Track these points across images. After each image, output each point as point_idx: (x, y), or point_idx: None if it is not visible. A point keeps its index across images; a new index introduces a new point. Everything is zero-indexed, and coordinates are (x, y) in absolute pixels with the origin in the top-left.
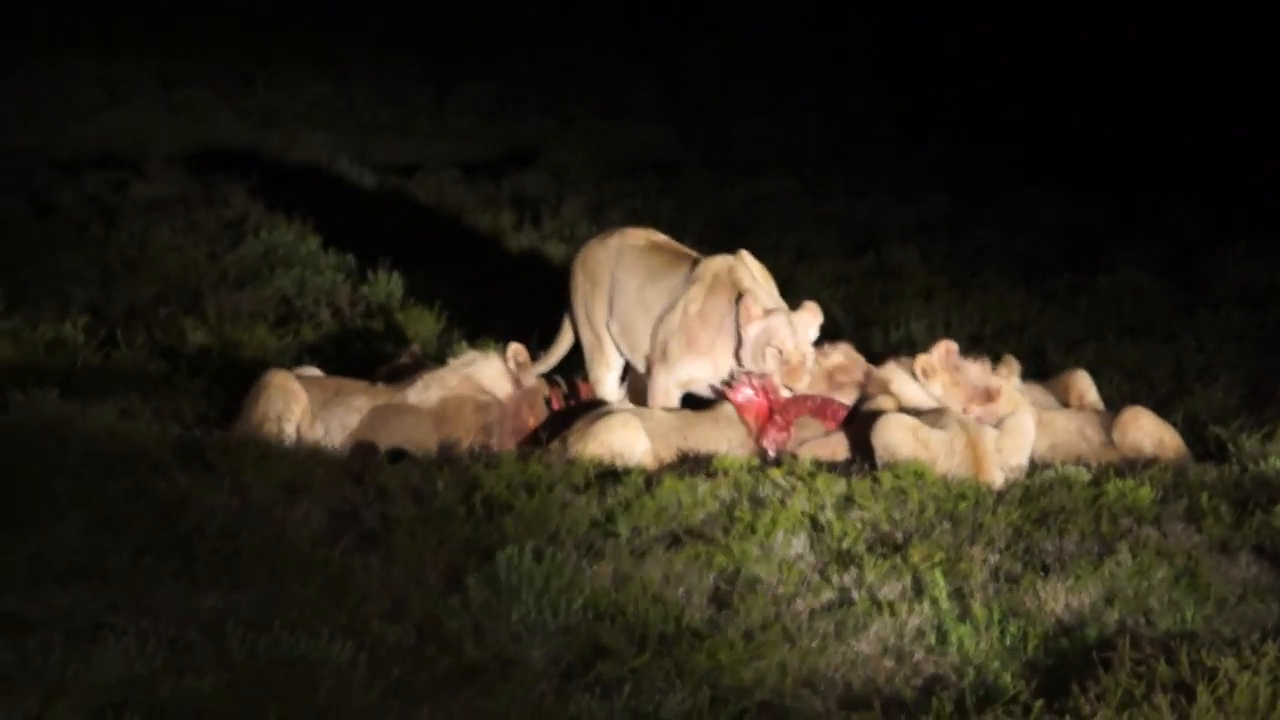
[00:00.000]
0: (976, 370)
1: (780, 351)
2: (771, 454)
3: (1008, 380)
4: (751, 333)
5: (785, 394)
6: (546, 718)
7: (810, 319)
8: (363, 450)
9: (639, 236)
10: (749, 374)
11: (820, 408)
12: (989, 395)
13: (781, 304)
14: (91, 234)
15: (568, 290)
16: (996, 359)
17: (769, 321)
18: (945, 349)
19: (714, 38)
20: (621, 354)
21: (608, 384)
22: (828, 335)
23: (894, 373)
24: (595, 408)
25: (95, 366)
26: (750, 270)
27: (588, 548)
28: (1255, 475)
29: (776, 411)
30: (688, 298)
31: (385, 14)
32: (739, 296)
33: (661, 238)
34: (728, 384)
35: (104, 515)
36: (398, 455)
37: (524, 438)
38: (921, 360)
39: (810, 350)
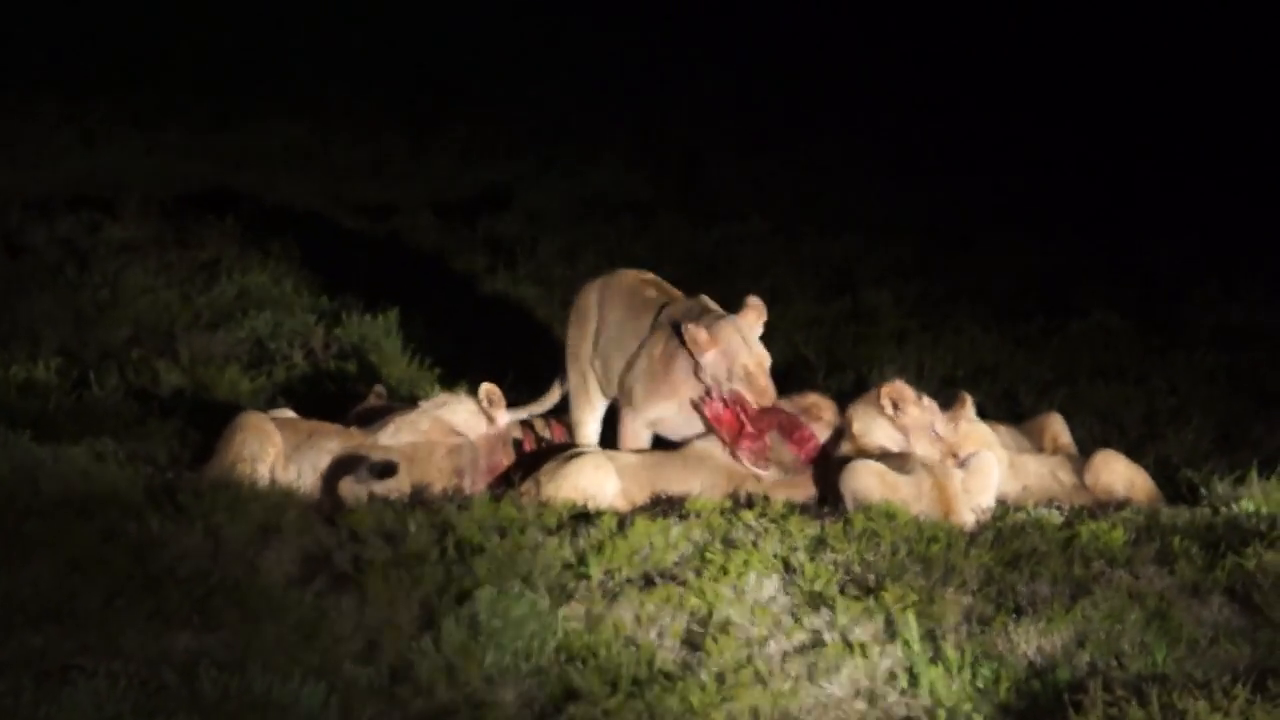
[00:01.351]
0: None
1: (745, 369)
2: (749, 464)
3: (963, 417)
4: (709, 359)
5: (753, 406)
6: None
7: (755, 317)
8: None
9: (630, 277)
10: (717, 390)
11: (788, 425)
12: (953, 446)
13: (721, 311)
14: (64, 275)
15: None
16: (952, 402)
17: (722, 344)
18: (898, 383)
19: (687, 81)
20: (605, 394)
21: (588, 426)
22: (801, 379)
23: (857, 414)
24: (566, 449)
25: (68, 408)
26: (705, 301)
27: (560, 589)
28: (1227, 518)
29: (749, 421)
30: (650, 342)
31: (360, 56)
32: (676, 325)
33: (652, 277)
34: (698, 403)
35: (76, 557)
36: (386, 468)
37: (495, 479)
38: (886, 390)
39: (764, 353)
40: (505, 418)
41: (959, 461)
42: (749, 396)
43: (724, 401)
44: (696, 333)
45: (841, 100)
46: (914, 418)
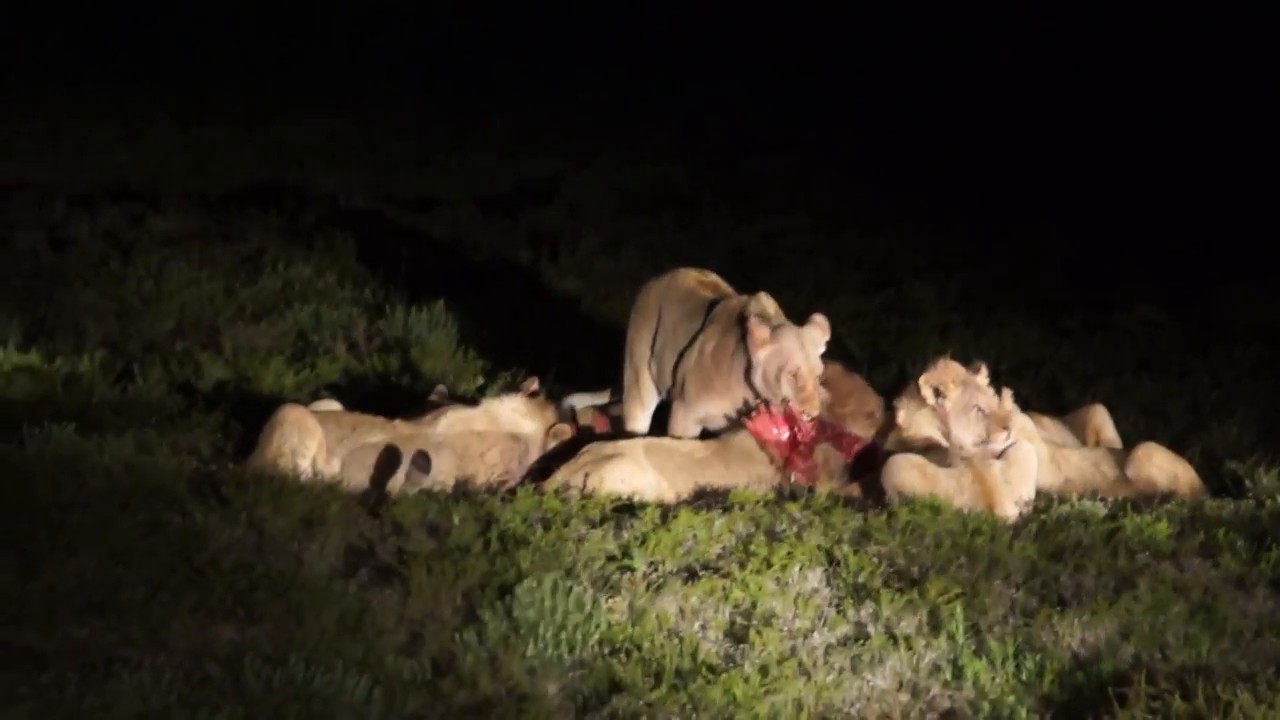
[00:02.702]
0: (990, 399)
1: (795, 375)
2: (801, 483)
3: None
4: (762, 357)
5: (805, 420)
6: None
7: (819, 334)
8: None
9: (690, 277)
10: (767, 405)
11: (837, 437)
12: (1002, 425)
13: (789, 323)
14: (108, 268)
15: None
16: (1012, 394)
17: (779, 344)
18: (944, 363)
19: (730, 73)
20: (658, 392)
21: (639, 421)
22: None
23: (901, 406)
24: (604, 439)
25: (112, 400)
26: (764, 309)
27: (603, 582)
28: (1272, 510)
29: (803, 442)
30: (704, 337)
31: (402, 48)
32: (742, 318)
33: (713, 279)
34: (748, 416)
35: (120, 549)
36: (425, 460)
37: (534, 467)
38: (925, 379)
39: (820, 366)
40: (551, 414)
41: (997, 453)
42: (795, 401)
43: (779, 424)
44: (758, 328)
45: (884, 94)
46: (955, 400)
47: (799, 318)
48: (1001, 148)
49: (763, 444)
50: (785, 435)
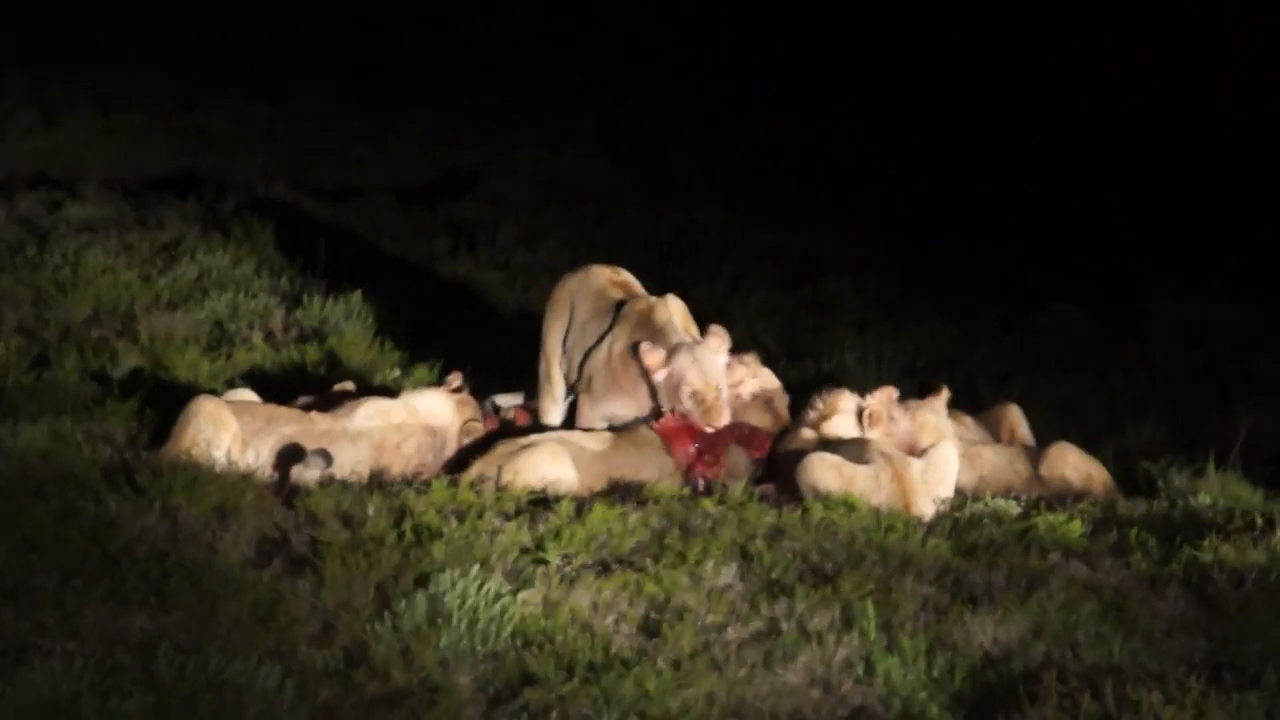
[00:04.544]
0: (906, 426)
1: (694, 391)
2: (701, 487)
3: (937, 410)
4: (659, 378)
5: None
6: None
7: (717, 345)
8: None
9: (602, 276)
10: (672, 413)
11: (747, 437)
12: (912, 450)
13: (686, 338)
14: (25, 255)
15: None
16: (928, 391)
17: (673, 365)
18: (888, 396)
19: (652, 67)
20: (569, 384)
21: (552, 415)
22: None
23: (841, 402)
24: (523, 432)
25: (26, 387)
26: (670, 312)
27: (517, 575)
28: (1184, 510)
29: (704, 449)
30: (612, 336)
31: (323, 38)
32: (634, 345)
33: (625, 277)
34: (656, 419)
35: (33, 536)
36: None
37: (450, 462)
38: (871, 405)
39: (723, 382)
40: (472, 407)
41: (919, 453)
42: (698, 416)
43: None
44: (649, 355)
45: (806, 91)
46: (899, 429)
47: (716, 312)
48: (921, 147)
49: (668, 445)
50: (693, 448)
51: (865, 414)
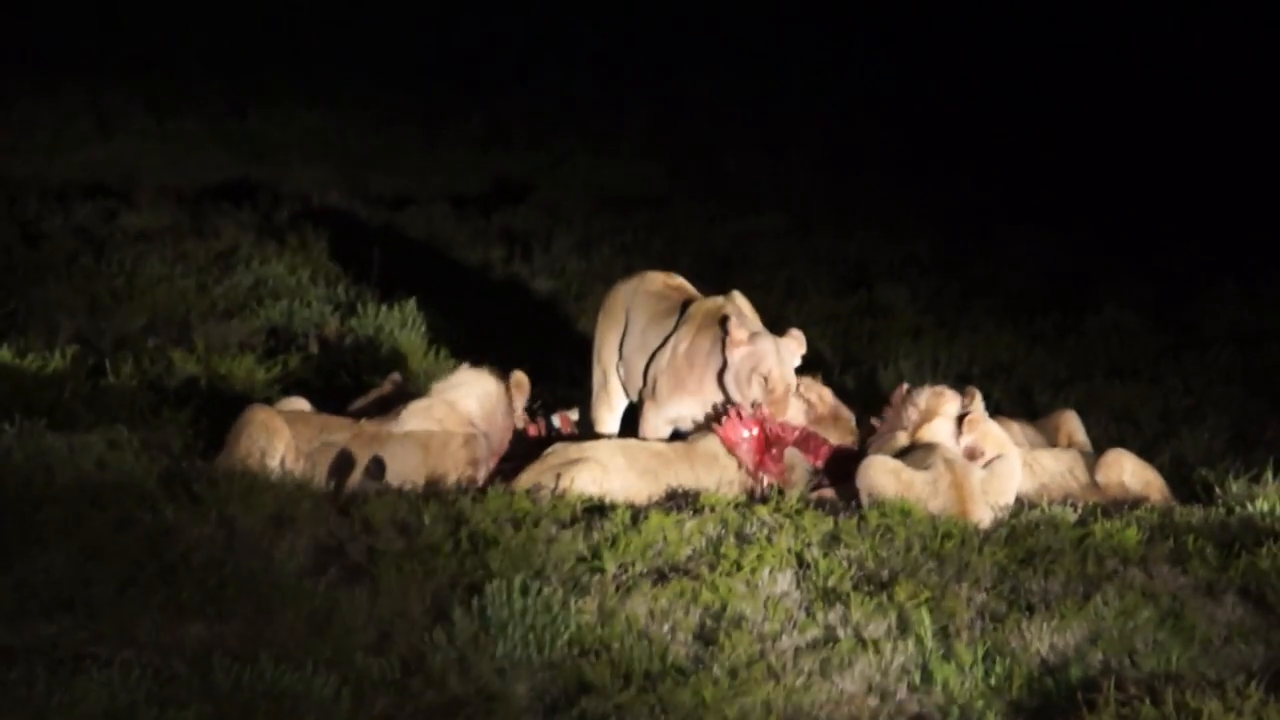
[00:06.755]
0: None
1: (765, 378)
2: (766, 484)
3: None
4: (737, 357)
5: (775, 422)
6: None
7: (795, 347)
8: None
9: (657, 280)
10: (738, 408)
11: (804, 440)
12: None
13: (766, 331)
14: (81, 264)
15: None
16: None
17: (755, 346)
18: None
19: (705, 73)
20: (626, 395)
21: (607, 424)
22: (813, 372)
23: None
24: (570, 439)
25: (83, 396)
26: (739, 309)
27: (573, 583)
28: (1241, 517)
29: (773, 445)
30: (677, 337)
31: (377, 45)
32: (723, 319)
33: (679, 281)
34: (718, 420)
35: (90, 546)
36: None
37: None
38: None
39: (794, 378)
40: (521, 409)
41: (984, 463)
42: (765, 404)
43: (748, 425)
44: (736, 329)
45: (860, 95)
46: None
47: (771, 319)
48: (976, 150)
49: (731, 449)
50: (755, 434)
51: (965, 420)
